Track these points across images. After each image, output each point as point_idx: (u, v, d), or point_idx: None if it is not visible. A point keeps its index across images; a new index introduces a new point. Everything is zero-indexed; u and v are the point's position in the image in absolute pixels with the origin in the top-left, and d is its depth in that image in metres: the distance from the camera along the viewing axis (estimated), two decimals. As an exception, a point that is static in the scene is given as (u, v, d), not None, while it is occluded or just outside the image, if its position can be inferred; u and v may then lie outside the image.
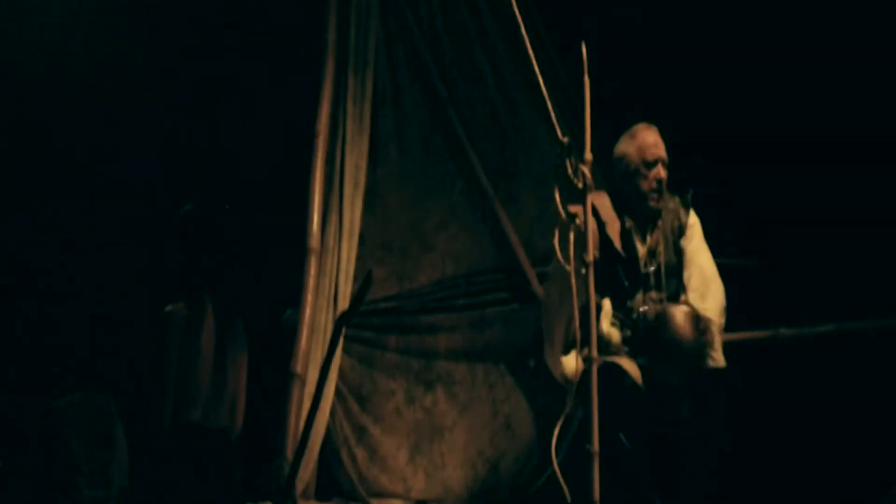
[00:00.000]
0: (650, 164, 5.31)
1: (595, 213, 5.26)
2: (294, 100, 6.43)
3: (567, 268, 4.72)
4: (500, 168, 6.40)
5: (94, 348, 6.55)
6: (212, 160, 6.69)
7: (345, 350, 6.05)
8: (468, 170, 6.35)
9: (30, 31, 6.65)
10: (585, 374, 4.62)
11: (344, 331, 5.53)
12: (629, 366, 5.10)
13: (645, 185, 5.32)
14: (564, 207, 4.72)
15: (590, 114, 4.71)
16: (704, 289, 5.33)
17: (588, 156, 4.71)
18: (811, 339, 6.17)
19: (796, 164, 6.43)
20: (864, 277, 6.24)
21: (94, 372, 6.33)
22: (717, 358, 5.20)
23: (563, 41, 5.94)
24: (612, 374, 5.03)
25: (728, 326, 5.35)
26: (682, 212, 5.44)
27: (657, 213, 5.37)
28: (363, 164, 6.15)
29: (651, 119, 5.46)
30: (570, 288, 4.71)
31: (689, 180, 5.49)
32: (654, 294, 5.28)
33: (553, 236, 4.78)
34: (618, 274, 5.28)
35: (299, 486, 5.63)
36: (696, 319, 5.08)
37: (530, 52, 4.90)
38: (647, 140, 5.34)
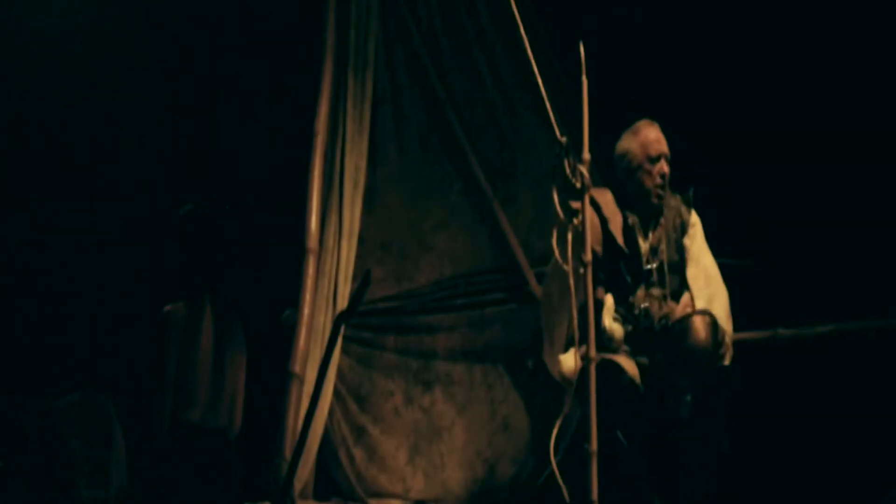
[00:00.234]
0: (654, 160, 5.31)
1: (598, 208, 5.27)
2: (293, 100, 6.43)
3: (566, 267, 4.72)
4: (498, 168, 6.41)
5: (94, 348, 6.55)
6: (212, 160, 6.69)
7: (343, 350, 6.05)
8: (467, 170, 6.35)
9: (30, 31, 6.66)
10: (584, 373, 4.63)
11: (342, 331, 5.54)
12: (627, 364, 5.10)
13: (648, 181, 5.31)
14: (564, 206, 4.72)
15: (588, 114, 4.71)
16: (711, 293, 5.33)
17: (586, 155, 4.71)
18: (810, 340, 6.16)
19: (796, 164, 6.43)
20: (864, 277, 6.23)
21: (93, 372, 6.33)
22: (727, 361, 5.21)
23: (562, 42, 5.94)
24: (609, 371, 5.03)
25: (728, 327, 5.36)
26: (683, 210, 5.43)
27: (660, 210, 5.37)
28: (363, 165, 6.15)
29: (650, 119, 5.45)
30: (569, 287, 4.71)
31: (688, 180, 5.49)
32: (655, 290, 5.28)
33: (551, 236, 4.78)
34: (620, 269, 5.27)
35: (298, 485, 5.64)
36: (715, 328, 5.09)
37: (529, 52, 4.90)
38: (650, 136, 5.34)
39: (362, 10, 6.23)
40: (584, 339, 4.62)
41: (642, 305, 5.25)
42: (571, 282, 4.71)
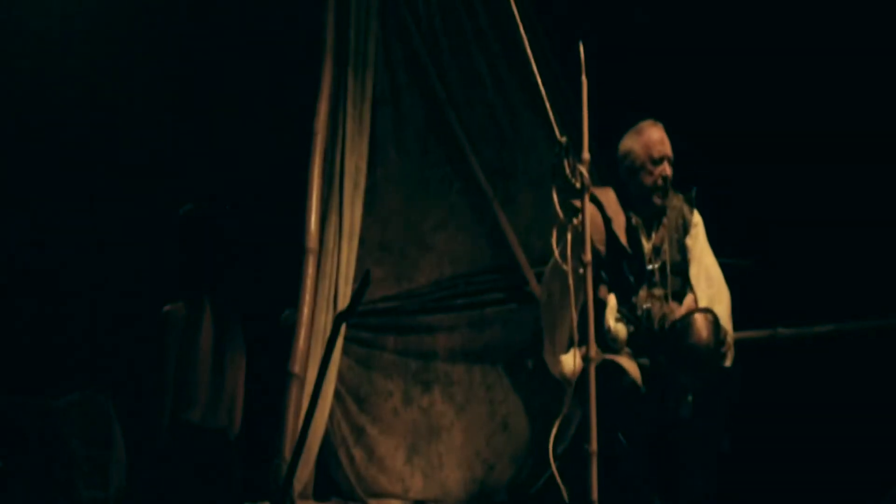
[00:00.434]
0: (656, 161, 5.30)
1: (601, 207, 5.26)
2: (294, 100, 6.43)
3: (565, 267, 4.73)
4: (498, 168, 6.40)
5: (94, 348, 6.55)
6: (212, 160, 6.69)
7: (343, 351, 6.05)
8: (466, 170, 6.35)
9: (30, 32, 6.66)
10: (584, 373, 4.63)
11: (342, 331, 5.54)
12: (629, 365, 5.10)
13: (650, 182, 5.31)
14: (564, 205, 4.72)
15: (588, 114, 4.71)
16: (713, 294, 5.33)
17: (586, 155, 4.71)
18: (810, 339, 6.16)
19: (796, 164, 6.43)
20: (864, 277, 6.23)
21: (93, 372, 6.33)
22: (728, 363, 5.21)
23: (562, 42, 5.94)
24: (611, 372, 5.03)
25: (728, 327, 5.36)
26: (686, 210, 5.43)
27: (662, 210, 5.36)
28: (363, 165, 6.15)
29: (655, 119, 5.45)
30: (569, 287, 4.71)
31: (689, 180, 5.49)
32: (657, 291, 5.27)
33: (551, 236, 4.78)
34: (623, 269, 5.27)
35: (298, 486, 5.64)
36: (717, 326, 5.08)
37: (528, 52, 4.90)
38: (653, 137, 5.33)
39: (362, 10, 6.23)
40: (584, 339, 4.62)
41: (645, 306, 5.24)
42: (571, 281, 4.72)
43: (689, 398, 5.11)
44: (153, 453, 5.25)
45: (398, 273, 6.27)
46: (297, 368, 5.73)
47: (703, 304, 5.28)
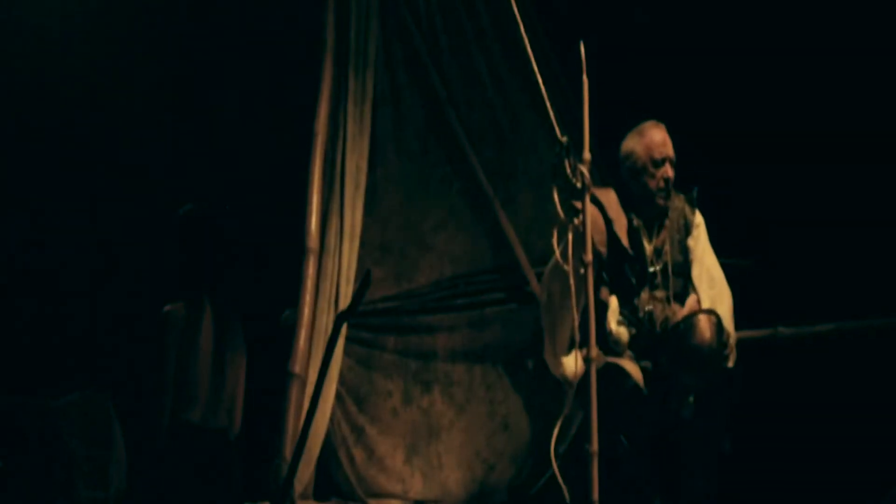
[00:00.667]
0: (658, 163, 5.28)
1: (602, 209, 5.25)
2: (294, 100, 6.43)
3: (566, 267, 4.72)
4: (498, 169, 6.40)
5: (94, 348, 6.55)
6: (212, 160, 6.69)
7: (343, 351, 6.05)
8: (467, 170, 6.34)
9: (30, 32, 6.66)
10: (586, 374, 4.63)
11: (343, 331, 5.54)
12: (631, 368, 5.09)
13: (652, 184, 5.29)
14: (564, 205, 4.71)
15: (588, 114, 4.71)
16: (714, 295, 5.32)
17: (586, 155, 4.71)
18: (810, 339, 6.16)
19: (796, 164, 6.43)
20: (864, 277, 6.23)
21: (93, 372, 6.33)
22: (730, 364, 5.21)
23: (562, 42, 5.94)
24: (614, 375, 5.02)
25: (729, 327, 5.35)
26: (688, 210, 5.41)
27: (664, 212, 5.34)
28: (363, 165, 6.15)
29: (657, 120, 5.44)
30: (570, 288, 4.71)
31: (689, 180, 5.48)
32: (659, 293, 5.27)
33: (552, 236, 4.78)
34: (624, 271, 5.26)
35: (298, 486, 5.63)
36: (720, 328, 5.08)
37: (529, 52, 4.90)
38: (655, 138, 5.31)
39: (362, 10, 6.23)
40: (585, 341, 4.62)
41: (647, 308, 5.23)
42: (572, 282, 4.71)
43: (691, 399, 5.11)
44: (153, 453, 5.25)
45: (398, 273, 6.27)
46: (297, 368, 5.73)
47: (705, 305, 5.27)
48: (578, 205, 4.73)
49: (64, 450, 5.54)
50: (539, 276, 6.02)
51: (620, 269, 5.26)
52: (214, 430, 5.30)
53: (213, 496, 5.25)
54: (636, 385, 5.05)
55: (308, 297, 5.85)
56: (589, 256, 4.66)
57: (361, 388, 6.18)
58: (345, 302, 5.89)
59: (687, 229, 5.39)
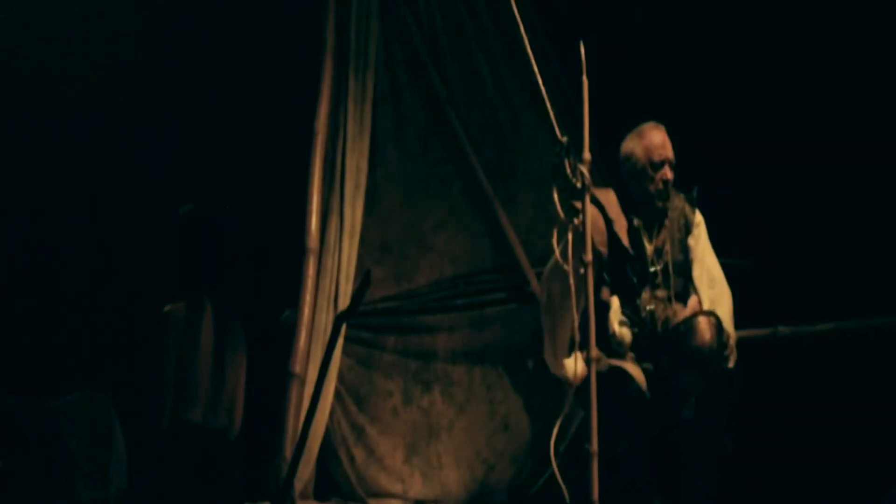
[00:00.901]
0: (656, 166, 5.26)
1: (602, 209, 5.25)
2: (294, 100, 6.43)
3: (566, 267, 4.72)
4: (498, 168, 6.40)
5: (94, 348, 6.55)
6: (212, 160, 6.68)
7: (343, 350, 6.05)
8: (467, 170, 6.34)
9: (30, 32, 6.65)
10: (587, 374, 4.64)
11: (343, 331, 5.54)
12: (635, 371, 5.08)
13: (651, 187, 5.27)
14: (564, 206, 4.71)
15: (588, 113, 4.71)
16: (715, 295, 5.32)
17: (587, 155, 4.71)
18: (810, 338, 6.17)
19: (796, 164, 6.43)
20: (864, 277, 6.24)
21: (94, 372, 6.33)
22: (731, 364, 5.21)
23: (562, 42, 5.94)
24: (618, 380, 5.02)
25: (729, 327, 5.35)
26: (688, 209, 5.41)
27: (664, 211, 5.34)
28: (364, 165, 6.16)
29: (651, 119, 5.43)
30: (570, 288, 4.71)
31: (689, 180, 5.48)
32: (660, 292, 5.26)
33: (552, 236, 4.78)
34: (625, 271, 5.25)
35: (298, 485, 5.64)
36: (720, 329, 5.08)
37: (529, 52, 4.90)
38: (655, 140, 5.29)
39: (362, 10, 6.23)
40: (586, 341, 4.62)
41: (648, 308, 5.23)
42: (572, 282, 4.71)
43: (692, 399, 5.11)
44: (153, 453, 5.24)
45: (398, 273, 6.27)
46: (297, 368, 5.73)
47: (705, 305, 5.27)
48: (578, 205, 4.72)
49: (64, 450, 5.54)
50: (539, 276, 6.03)
51: (621, 270, 5.25)
52: (214, 430, 5.29)
53: (213, 496, 5.25)
54: (639, 389, 5.04)
55: (308, 297, 5.85)
56: (589, 256, 4.66)
57: (361, 387, 6.18)
58: (344, 301, 5.90)
59: (687, 228, 5.39)
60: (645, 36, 6.61)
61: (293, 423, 5.59)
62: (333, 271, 5.97)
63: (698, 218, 5.43)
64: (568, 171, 4.67)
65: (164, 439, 5.20)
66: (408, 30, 6.35)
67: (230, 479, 5.34)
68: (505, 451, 6.25)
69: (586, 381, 4.64)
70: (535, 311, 5.74)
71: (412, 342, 6.27)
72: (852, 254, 6.29)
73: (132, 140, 6.70)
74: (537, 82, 4.88)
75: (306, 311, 5.84)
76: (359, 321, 6.09)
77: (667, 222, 5.34)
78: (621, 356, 5.14)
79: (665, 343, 5.14)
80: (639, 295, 5.24)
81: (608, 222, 5.26)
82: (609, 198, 5.32)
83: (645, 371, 5.12)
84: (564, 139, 4.68)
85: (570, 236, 4.74)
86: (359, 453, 6.11)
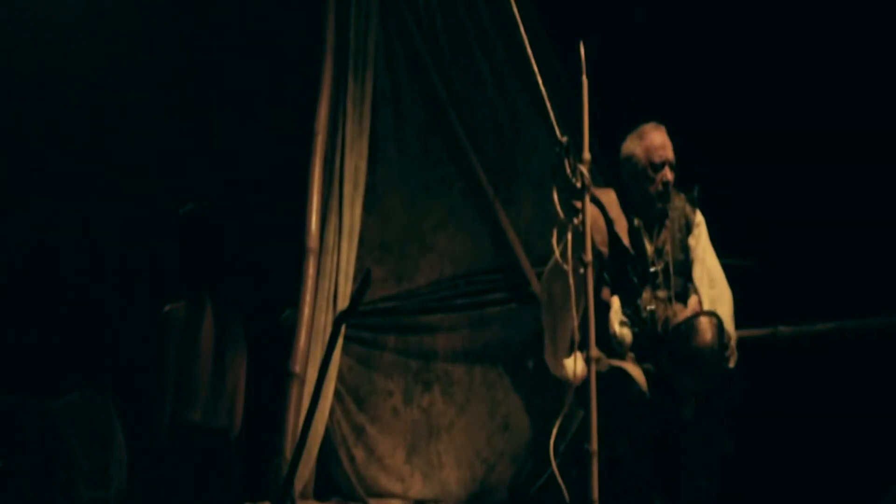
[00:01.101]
0: (657, 167, 5.25)
1: (603, 210, 5.24)
2: (294, 100, 6.43)
3: (566, 267, 4.72)
4: (498, 169, 6.40)
5: (94, 348, 6.54)
6: (212, 160, 6.68)
7: (343, 350, 6.05)
8: (467, 170, 6.35)
9: (31, 32, 6.65)
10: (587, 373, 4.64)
11: (343, 331, 5.54)
12: (636, 372, 5.07)
13: (651, 188, 5.26)
14: (564, 205, 4.71)
15: (588, 113, 4.71)
16: (715, 295, 5.32)
17: (586, 155, 4.70)
18: (810, 338, 6.17)
19: (796, 164, 6.43)
20: (864, 277, 6.24)
21: (94, 372, 6.33)
22: (731, 364, 5.21)
23: (562, 42, 5.94)
24: (619, 381, 5.02)
25: (730, 327, 5.35)
26: (688, 209, 5.40)
27: (665, 212, 5.33)
28: (363, 165, 6.15)
29: (650, 119, 5.43)
30: (570, 287, 4.70)
31: (689, 180, 5.48)
32: (661, 292, 5.25)
33: (552, 236, 4.78)
34: (626, 271, 5.25)
35: (298, 485, 5.64)
36: (721, 329, 5.08)
37: (529, 52, 4.90)
38: (655, 142, 5.28)
39: (362, 10, 6.23)
40: (586, 341, 4.62)
41: (649, 308, 5.22)
42: (572, 281, 4.71)
43: (692, 399, 5.11)
44: (153, 453, 5.24)
45: (399, 273, 6.27)
46: (297, 368, 5.73)
47: (705, 305, 5.27)
48: (579, 205, 4.72)
49: (64, 450, 5.54)
50: (539, 276, 6.03)
51: (622, 270, 5.25)
52: (215, 430, 5.29)
53: (213, 496, 5.25)
54: (641, 391, 5.04)
55: (308, 297, 5.85)
56: (589, 256, 4.65)
57: (362, 387, 6.18)
58: (344, 301, 5.90)
59: (688, 228, 5.38)
60: (645, 36, 6.62)
61: (293, 423, 5.59)
62: (333, 271, 5.97)
63: (699, 218, 5.42)
64: (568, 171, 4.67)
65: (164, 439, 5.20)
66: (408, 30, 6.35)
67: (230, 479, 5.34)
68: (505, 451, 6.26)
69: (586, 381, 4.64)
70: (535, 311, 5.74)
71: (412, 342, 6.27)
72: (852, 254, 6.30)
73: (132, 140, 6.70)
74: (537, 82, 4.88)
75: (306, 311, 5.84)
76: (359, 321, 6.09)
77: (667, 222, 5.34)
78: (622, 356, 5.14)
79: (666, 343, 5.14)
80: (639, 295, 5.23)
81: (609, 222, 5.26)
82: (610, 198, 5.31)
83: (645, 371, 5.11)
84: (564, 139, 4.68)
85: (569, 236, 4.74)
86: (359, 453, 6.11)
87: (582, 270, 4.65)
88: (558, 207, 4.68)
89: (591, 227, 4.78)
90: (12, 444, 5.52)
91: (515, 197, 6.41)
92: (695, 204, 5.42)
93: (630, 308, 5.22)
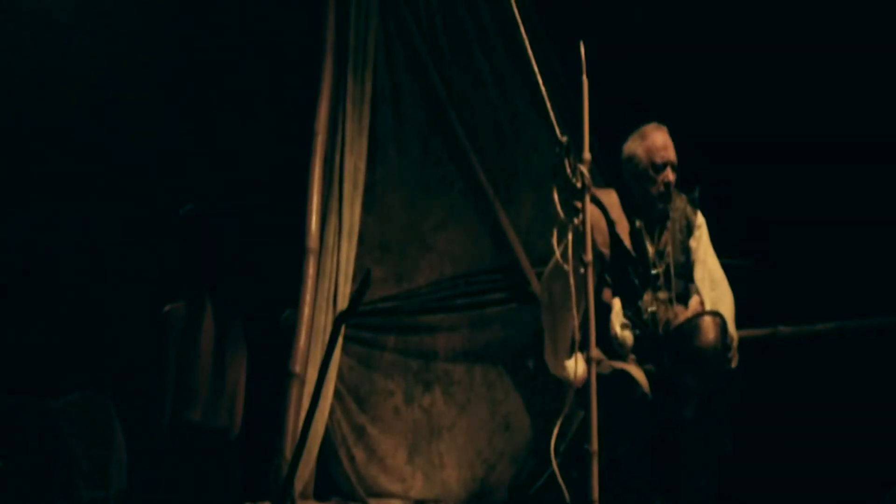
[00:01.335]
0: (658, 168, 5.23)
1: (604, 211, 5.24)
2: (294, 100, 6.43)
3: (566, 267, 4.72)
4: (498, 169, 6.40)
5: (94, 348, 6.55)
6: (212, 160, 6.69)
7: (343, 350, 6.05)
8: (467, 170, 6.35)
9: (31, 32, 6.66)
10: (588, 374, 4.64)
11: (343, 331, 5.54)
12: (638, 375, 5.07)
13: (653, 189, 5.25)
14: (565, 205, 4.70)
15: (588, 113, 4.70)
16: (716, 297, 5.31)
17: (587, 155, 4.70)
18: (810, 338, 6.17)
19: (796, 164, 6.44)
20: (864, 277, 6.24)
21: (94, 372, 6.33)
22: (733, 365, 5.21)
23: (562, 42, 5.94)
24: (623, 384, 5.01)
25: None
26: (689, 210, 5.39)
27: (666, 213, 5.33)
28: (362, 166, 6.15)
29: (651, 119, 5.42)
30: (570, 288, 4.70)
31: (689, 180, 5.48)
32: (662, 294, 5.25)
33: (552, 236, 4.77)
34: (627, 273, 5.24)
35: (298, 485, 5.64)
36: (724, 330, 5.08)
37: (529, 52, 4.90)
38: (657, 142, 5.26)
39: (362, 10, 6.23)
40: (587, 342, 4.62)
41: (650, 310, 5.22)
42: (572, 281, 4.71)
43: (694, 399, 5.11)
44: (153, 453, 5.24)
45: (399, 273, 6.27)
46: (297, 368, 5.73)
47: (706, 307, 5.27)
48: (579, 205, 4.72)
49: (64, 450, 5.54)
50: (539, 277, 6.02)
51: (623, 271, 5.24)
52: (215, 430, 5.30)
53: (213, 496, 5.25)
54: (644, 393, 5.04)
55: (308, 297, 5.85)
56: (589, 256, 4.65)
57: (362, 387, 6.18)
58: (343, 301, 5.90)
59: (689, 230, 5.38)
60: (645, 36, 6.62)
61: (293, 423, 5.59)
62: (333, 271, 5.97)
63: (700, 219, 5.42)
64: (568, 171, 4.66)
65: (164, 439, 5.21)
66: (408, 30, 6.35)
67: (230, 479, 5.34)
68: (506, 451, 6.26)
69: (587, 381, 4.63)
70: (535, 311, 5.74)
71: (412, 342, 6.27)
72: (852, 254, 6.30)
73: (132, 140, 6.70)
74: (537, 82, 4.87)
75: (306, 311, 5.84)
76: (359, 321, 6.09)
77: (669, 224, 5.33)
78: (623, 358, 5.14)
79: (669, 342, 5.13)
80: (640, 297, 5.23)
81: (610, 223, 5.25)
82: (611, 199, 5.30)
83: (646, 372, 5.11)
84: (564, 139, 4.67)
85: (570, 236, 4.73)
86: (359, 453, 6.11)
87: (582, 271, 4.65)
88: (558, 207, 4.67)
89: (593, 228, 4.78)
90: (12, 444, 5.52)
91: (515, 197, 6.41)
92: (696, 205, 5.41)
93: (631, 310, 5.22)
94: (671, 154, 5.26)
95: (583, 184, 4.68)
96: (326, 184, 6.07)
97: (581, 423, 5.24)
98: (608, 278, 5.22)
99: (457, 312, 6.30)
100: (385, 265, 6.25)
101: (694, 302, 5.28)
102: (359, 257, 6.07)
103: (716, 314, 5.12)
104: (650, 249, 5.27)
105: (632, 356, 5.15)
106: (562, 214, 4.69)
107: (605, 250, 5.20)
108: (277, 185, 6.50)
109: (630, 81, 6.33)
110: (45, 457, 5.52)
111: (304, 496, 5.77)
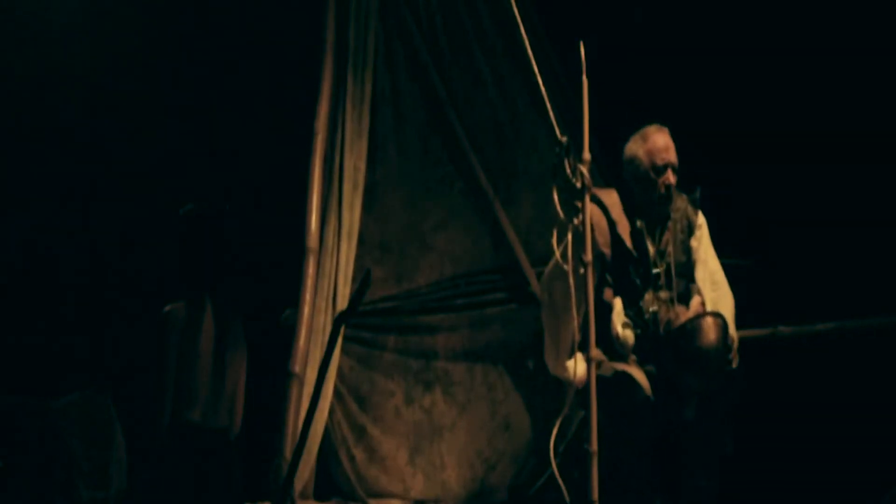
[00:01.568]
0: (660, 170, 5.23)
1: (605, 211, 5.24)
2: (294, 100, 6.43)
3: (566, 267, 4.72)
4: (498, 169, 6.40)
5: (94, 348, 6.55)
6: (212, 160, 6.69)
7: (343, 350, 6.05)
8: (467, 170, 6.35)
9: (31, 32, 6.66)
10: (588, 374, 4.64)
11: (343, 331, 5.53)
12: (640, 377, 5.07)
13: (653, 190, 5.26)
14: (564, 206, 4.70)
15: (588, 113, 4.70)
16: (717, 297, 5.32)
17: (586, 155, 4.70)
18: (810, 338, 6.17)
19: (796, 164, 6.44)
20: (864, 277, 6.24)
21: (94, 372, 6.33)
22: (734, 366, 5.21)
23: (562, 42, 5.94)
24: (625, 387, 5.01)
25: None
26: (690, 211, 5.39)
27: (667, 214, 5.33)
28: (362, 166, 6.15)
29: (651, 119, 5.42)
30: (570, 288, 4.70)
31: (689, 180, 5.48)
32: (663, 294, 5.25)
33: (552, 236, 4.77)
34: (629, 273, 5.24)
35: (298, 485, 5.64)
36: (726, 330, 5.08)
37: (529, 52, 4.90)
38: (658, 144, 5.25)
39: (362, 10, 6.23)
40: (587, 342, 4.62)
41: (651, 310, 5.22)
42: (572, 281, 4.71)
43: (694, 400, 5.11)
44: (153, 453, 5.24)
45: (399, 273, 6.27)
46: (297, 368, 5.73)
47: (707, 307, 5.27)
48: (579, 205, 4.72)
49: (64, 450, 5.54)
50: (539, 277, 6.02)
51: (624, 271, 5.25)
52: (215, 430, 5.29)
53: (213, 496, 5.25)
54: (646, 396, 5.03)
55: (308, 297, 5.85)
56: (589, 256, 4.65)
57: (362, 387, 6.18)
58: (343, 301, 5.90)
59: (690, 230, 5.38)
60: (645, 36, 6.62)
61: (293, 423, 5.59)
62: (333, 271, 5.97)
63: (701, 220, 5.42)
64: (568, 171, 4.66)
65: (164, 439, 5.20)
66: (408, 30, 6.35)
67: (230, 479, 5.34)
68: (506, 451, 6.26)
69: (587, 381, 4.64)
70: (535, 311, 5.74)
71: (412, 342, 6.27)
72: (852, 254, 6.30)
73: (132, 140, 6.70)
74: (537, 82, 4.88)
75: (306, 311, 5.84)
76: (359, 321, 6.09)
77: (669, 224, 5.33)
78: (624, 358, 5.14)
79: (670, 342, 5.14)
80: (642, 297, 5.23)
81: (611, 224, 5.25)
82: (612, 199, 5.30)
83: (647, 373, 5.12)
84: (564, 139, 4.67)
85: (570, 236, 4.73)
86: (359, 453, 6.11)
87: (582, 271, 4.65)
88: (558, 207, 4.68)
89: (594, 227, 4.78)
90: (12, 444, 5.52)
91: (515, 197, 6.41)
92: (697, 205, 5.41)
93: (632, 310, 5.22)
94: (672, 156, 5.26)
95: (583, 184, 4.68)
96: (326, 184, 6.07)
97: (581, 424, 5.23)
98: (609, 278, 5.22)
99: (457, 312, 6.31)
100: (385, 265, 6.25)
101: (695, 302, 5.28)
102: (359, 257, 6.07)
103: (717, 315, 5.13)
104: (651, 249, 5.27)
105: (632, 356, 5.15)
106: (562, 214, 4.69)
107: (607, 250, 5.20)
108: (277, 185, 6.50)
109: (630, 81, 6.33)
110: (45, 457, 5.52)
111: (304, 496, 5.77)
